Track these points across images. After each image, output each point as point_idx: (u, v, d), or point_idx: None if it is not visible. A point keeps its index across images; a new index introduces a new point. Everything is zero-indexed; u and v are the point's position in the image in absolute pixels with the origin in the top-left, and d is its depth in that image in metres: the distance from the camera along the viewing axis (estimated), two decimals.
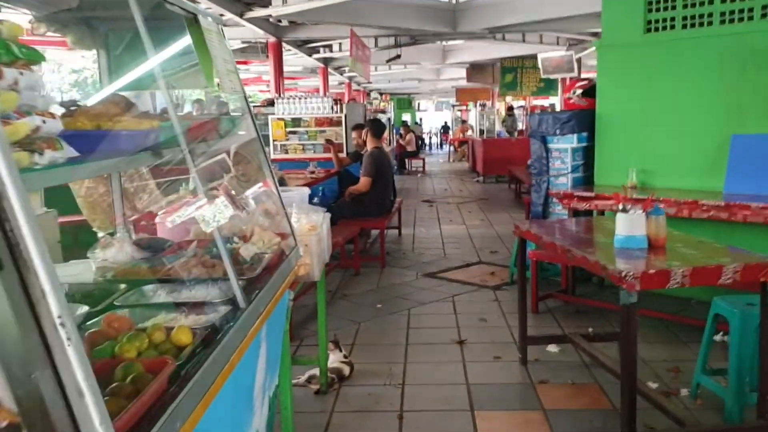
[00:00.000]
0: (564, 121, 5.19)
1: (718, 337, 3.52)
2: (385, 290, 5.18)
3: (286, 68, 17.95)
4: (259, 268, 1.95)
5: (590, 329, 4.02)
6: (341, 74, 18.57)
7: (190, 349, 1.40)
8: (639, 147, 4.82)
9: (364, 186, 6.14)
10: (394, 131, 16.06)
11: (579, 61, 14.00)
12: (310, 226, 2.62)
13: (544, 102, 20.91)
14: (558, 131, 5.23)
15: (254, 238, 2.17)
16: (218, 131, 2.21)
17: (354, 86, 23.27)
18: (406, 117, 26.61)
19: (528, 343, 3.55)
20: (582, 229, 3.32)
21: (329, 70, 16.46)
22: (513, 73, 15.70)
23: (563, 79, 15.27)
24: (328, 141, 7.20)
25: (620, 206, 2.81)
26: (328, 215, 3.10)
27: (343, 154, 7.92)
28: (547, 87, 15.85)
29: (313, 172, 6.48)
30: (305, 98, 8.26)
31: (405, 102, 28.93)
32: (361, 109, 8.35)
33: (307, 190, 3.53)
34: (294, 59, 15.60)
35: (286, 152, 8.31)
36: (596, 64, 5.12)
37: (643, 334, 3.77)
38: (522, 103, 20.99)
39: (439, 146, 30.92)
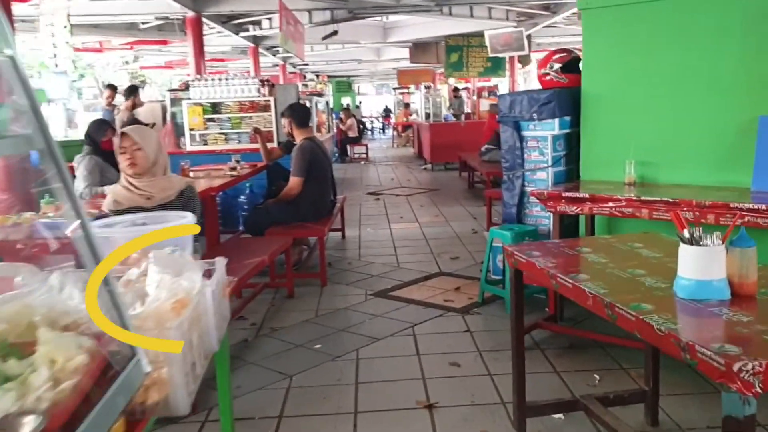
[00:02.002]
0: (542, 102, 4.20)
1: None
2: (327, 319, 4.09)
3: (212, 49, 16.45)
4: None
5: (597, 377, 3.06)
6: (274, 55, 17.17)
7: None
8: (638, 133, 3.88)
9: (294, 187, 5.01)
10: (334, 116, 14.88)
11: (529, 38, 13.16)
12: (175, 302, 1.45)
13: (489, 83, 20.14)
14: (535, 115, 4.23)
15: (37, 355, 1.03)
16: None
17: (290, 68, 21.85)
18: (346, 100, 25.40)
19: (527, 415, 2.54)
20: (611, 258, 2.31)
21: (260, 50, 15.07)
22: (458, 52, 14.75)
23: (512, 58, 14.44)
24: (256, 130, 6.01)
25: (685, 233, 1.81)
26: (222, 263, 1.96)
27: (274, 144, 6.73)
28: (495, 67, 14.98)
29: (234, 168, 5.28)
30: (227, 80, 7.00)
31: (344, 85, 27.65)
32: (293, 91, 7.16)
33: (176, 217, 2.13)
34: (221, 39, 14.15)
35: (205, 143, 7.04)
36: (582, 29, 4.14)
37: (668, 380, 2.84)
38: (466, 84, 20.13)
39: (381, 131, 29.88)
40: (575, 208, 3.66)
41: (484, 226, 6.64)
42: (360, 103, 30.14)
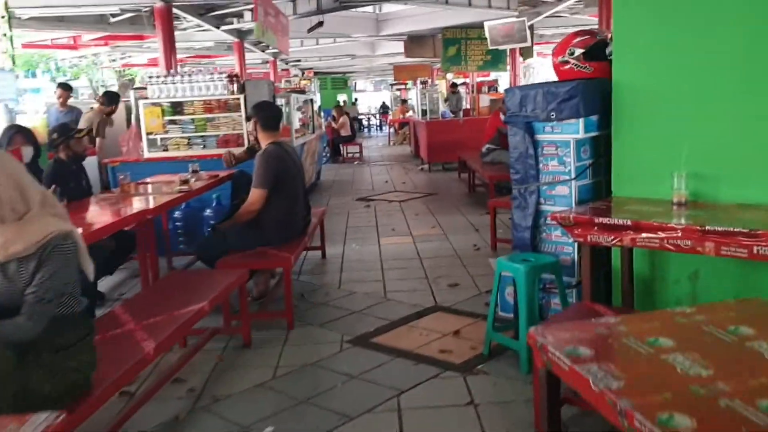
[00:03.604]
0: (562, 97, 3.27)
1: None
2: (287, 383, 3.16)
3: (196, 45, 15.52)
4: None
5: None
6: (263, 51, 16.21)
7: None
8: (690, 136, 2.96)
9: (255, 201, 4.08)
10: (323, 115, 13.93)
11: (531, 28, 12.20)
12: None
13: (489, 78, 19.18)
14: (553, 114, 3.30)
15: None
16: None
17: (281, 66, 20.92)
18: (342, 97, 24.45)
19: None
20: (713, 364, 1.36)
21: (246, 45, 14.11)
22: (456, 45, 13.78)
23: (513, 51, 13.49)
24: (230, 155, 5.00)
25: None
26: None
27: (242, 150, 5.79)
28: (495, 60, 14.00)
29: (186, 182, 4.35)
30: (189, 76, 6.05)
31: (340, 81, 26.70)
32: (266, 88, 6.21)
33: None
34: (203, 34, 13.20)
35: (166, 149, 6.10)
36: (612, 7, 3.20)
37: None
38: (465, 80, 19.18)
39: (378, 128, 28.94)
40: (611, 238, 2.74)
41: (488, 242, 5.71)
42: (356, 100, 29.20)
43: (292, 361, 3.41)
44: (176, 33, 12.13)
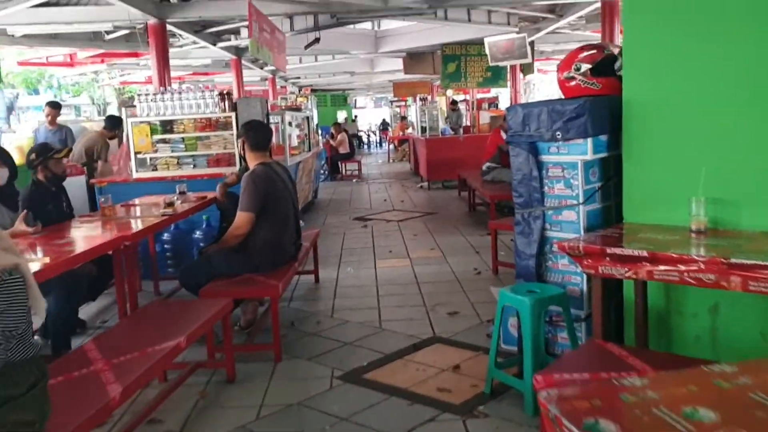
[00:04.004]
0: (569, 116, 3.04)
1: None
2: (270, 425, 2.90)
3: (195, 62, 15.37)
4: None
5: None
6: (261, 68, 16.07)
7: None
8: (707, 158, 2.73)
9: (241, 225, 3.86)
10: (321, 132, 13.74)
11: (532, 45, 12.04)
12: None
13: (489, 95, 19.05)
14: (559, 134, 3.08)
15: None
16: None
17: (280, 83, 20.80)
18: (342, 115, 24.34)
19: None
20: None
21: (244, 62, 13.96)
22: (456, 61, 13.61)
23: (513, 67, 13.33)
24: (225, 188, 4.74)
25: None
26: None
27: (234, 170, 5.57)
28: (495, 76, 13.83)
29: (171, 204, 4.11)
30: (179, 93, 5.85)
31: (340, 98, 26.64)
32: (258, 105, 6.00)
33: None
34: (201, 51, 13.04)
35: (155, 169, 5.88)
36: (622, 17, 3.00)
37: None
38: (465, 96, 19.03)
39: (378, 145, 28.81)
40: (625, 270, 2.50)
41: (489, 265, 5.47)
42: (356, 117, 29.10)
43: (277, 399, 3.15)
44: (173, 50, 12.03)
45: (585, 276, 3.08)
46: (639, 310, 2.90)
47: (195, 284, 3.81)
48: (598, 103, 3.07)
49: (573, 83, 3.37)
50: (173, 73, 16.39)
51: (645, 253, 2.44)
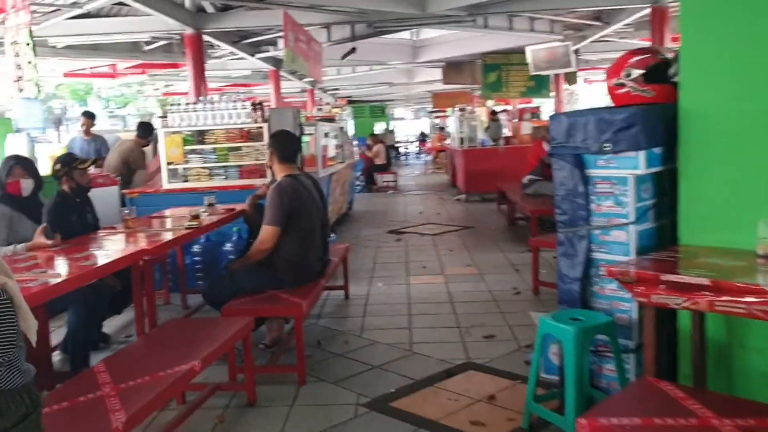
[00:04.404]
0: (619, 126, 2.77)
1: None
2: None
3: (233, 73, 15.50)
4: None
5: None
6: (300, 79, 16.10)
7: None
8: None
9: (266, 240, 3.69)
10: (357, 143, 13.60)
11: (576, 53, 11.68)
12: None
13: (531, 105, 18.65)
14: (608, 146, 2.81)
15: None
16: None
17: (319, 94, 20.85)
18: (381, 126, 24.21)
19: None
20: None
21: (282, 73, 13.98)
22: (497, 71, 13.34)
23: (557, 76, 12.97)
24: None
25: None
26: None
27: (266, 181, 5.43)
28: (538, 86, 13.49)
29: (197, 216, 3.98)
30: (210, 103, 5.76)
31: (378, 109, 26.50)
32: (290, 116, 5.87)
33: None
34: (240, 63, 13.12)
35: (186, 180, 5.79)
36: (679, 17, 2.73)
37: None
38: (505, 107, 18.69)
39: (416, 156, 28.63)
40: (682, 299, 2.22)
41: (529, 284, 5.18)
42: (394, 128, 28.97)
43: (298, 427, 2.95)
44: (211, 62, 12.13)
45: (636, 306, 2.79)
46: (696, 344, 2.60)
47: (219, 300, 3.66)
48: (652, 113, 2.79)
49: (623, 90, 3.09)
50: (212, 85, 16.62)
51: (706, 282, 2.16)
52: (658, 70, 3.04)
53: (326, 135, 8.02)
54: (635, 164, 2.77)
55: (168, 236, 3.61)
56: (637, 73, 3.07)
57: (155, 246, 3.26)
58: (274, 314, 3.73)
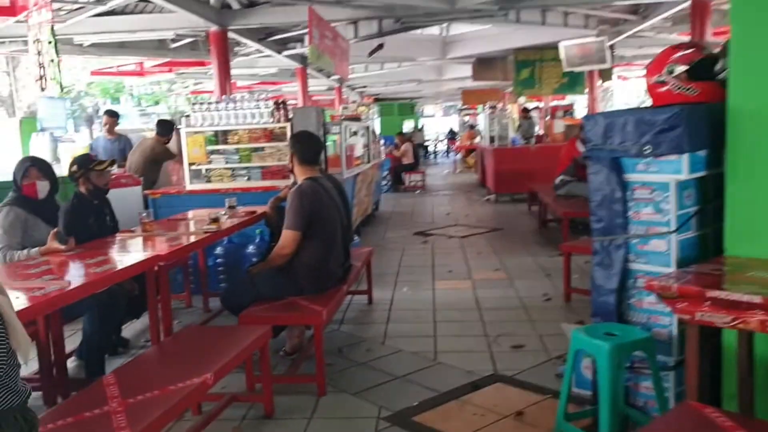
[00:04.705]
0: (661, 127, 2.57)
1: None
2: None
3: (261, 71, 15.49)
4: None
5: None
6: (328, 77, 16.01)
7: None
8: None
9: (287, 245, 3.57)
10: (383, 142, 13.44)
11: (611, 49, 11.33)
12: None
13: (563, 102, 18.24)
14: (649, 148, 2.61)
15: None
16: None
17: (347, 92, 20.76)
18: (409, 124, 24.01)
19: None
20: None
21: (310, 71, 13.89)
22: (530, 67, 13.04)
23: (590, 73, 12.61)
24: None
25: None
26: None
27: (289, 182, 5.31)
28: (572, 83, 13.14)
29: (216, 220, 3.88)
30: (233, 103, 5.67)
31: (407, 107, 26.29)
32: (314, 115, 5.74)
33: None
34: (268, 60, 13.09)
35: (209, 180, 5.71)
36: (729, 8, 2.51)
37: None
38: (537, 104, 18.32)
39: (445, 154, 28.31)
40: (730, 318, 2.02)
41: (561, 290, 4.96)
42: (422, 126, 28.72)
43: None
44: (238, 59, 12.11)
45: (676, 322, 2.59)
46: (743, 364, 2.39)
47: (238, 306, 3.56)
48: (697, 112, 2.58)
49: (665, 89, 2.88)
50: (240, 83, 16.65)
51: (758, 300, 1.96)
52: (703, 67, 2.82)
53: (352, 134, 7.89)
54: (678, 168, 2.56)
55: (185, 241, 3.51)
56: (680, 69, 2.85)
57: (170, 252, 3.16)
58: (293, 322, 3.61)
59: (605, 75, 12.70)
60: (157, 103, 30.83)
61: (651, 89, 3.00)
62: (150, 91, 29.21)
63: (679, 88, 2.84)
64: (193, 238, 3.58)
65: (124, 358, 3.99)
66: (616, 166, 2.72)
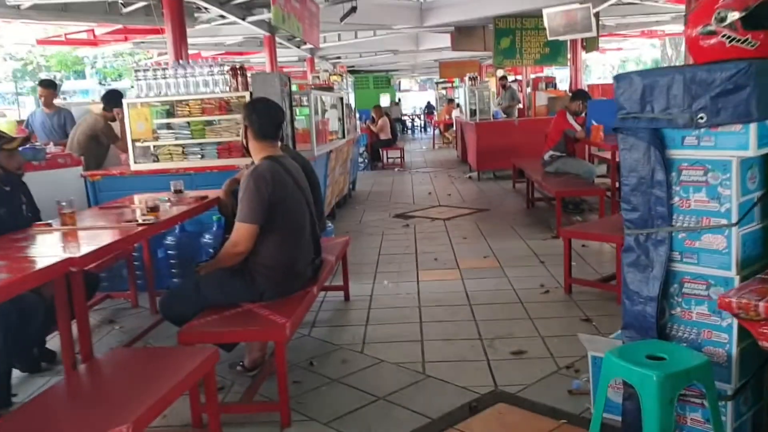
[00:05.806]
0: (722, 86, 1.95)
1: None
2: None
3: (225, 40, 14.54)
4: None
5: None
6: (298, 47, 15.11)
7: None
8: None
9: (240, 242, 2.90)
10: (359, 116, 12.69)
11: (597, 16, 10.69)
12: None
13: (543, 74, 17.64)
14: (704, 115, 1.99)
15: None
16: None
17: (320, 63, 19.83)
18: (386, 98, 23.21)
19: None
20: None
21: (280, 40, 13.00)
22: (510, 36, 12.33)
23: (574, 42, 11.97)
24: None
25: None
26: None
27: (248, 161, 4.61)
28: (554, 53, 12.47)
29: (153, 209, 3.17)
30: (182, 69, 4.91)
31: (383, 80, 25.44)
32: (277, 82, 5.01)
33: None
34: (232, 28, 12.16)
35: (156, 159, 4.97)
36: None
37: None
38: (517, 76, 17.69)
39: (422, 129, 27.64)
40: None
41: (559, 280, 4.40)
42: (399, 100, 27.94)
43: None
44: (201, 27, 11.19)
45: (736, 333, 2.01)
46: None
47: (179, 316, 2.90)
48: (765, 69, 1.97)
49: (713, 41, 2.24)
50: (204, 53, 15.65)
51: None
52: (764, 12, 2.21)
53: (324, 106, 7.17)
54: (743, 142, 1.95)
55: (112, 237, 2.82)
56: (734, 16, 2.22)
57: (85, 255, 2.46)
58: (246, 339, 2.97)
59: (590, 45, 12.06)
60: (120, 76, 29.47)
61: (693, 43, 2.36)
62: (114, 65, 27.88)
63: (732, 40, 2.21)
64: (119, 235, 2.87)
65: (49, 376, 3.33)
66: (657, 139, 2.11)
